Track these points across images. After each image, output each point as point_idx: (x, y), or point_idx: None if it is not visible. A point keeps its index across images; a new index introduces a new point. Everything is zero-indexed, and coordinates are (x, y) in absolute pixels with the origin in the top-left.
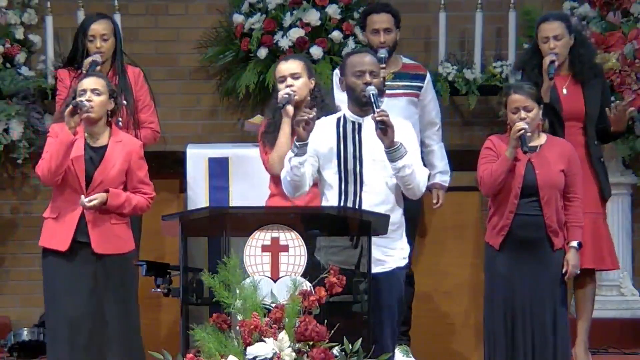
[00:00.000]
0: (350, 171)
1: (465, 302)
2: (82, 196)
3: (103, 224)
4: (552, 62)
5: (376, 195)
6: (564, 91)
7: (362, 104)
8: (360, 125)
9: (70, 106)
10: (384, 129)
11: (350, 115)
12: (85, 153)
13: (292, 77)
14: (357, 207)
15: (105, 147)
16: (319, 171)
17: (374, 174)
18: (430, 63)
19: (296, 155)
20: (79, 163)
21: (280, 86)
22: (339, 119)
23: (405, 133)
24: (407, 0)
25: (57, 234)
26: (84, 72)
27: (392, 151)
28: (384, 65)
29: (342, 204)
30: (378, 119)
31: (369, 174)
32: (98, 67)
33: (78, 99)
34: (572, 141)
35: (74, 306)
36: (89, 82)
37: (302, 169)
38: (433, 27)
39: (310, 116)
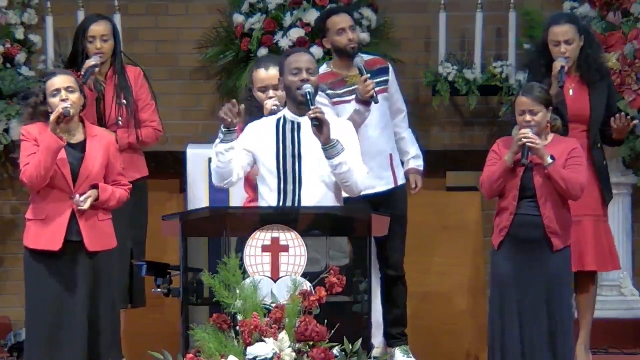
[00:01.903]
0: (289, 170)
1: (465, 302)
2: (77, 195)
3: (92, 221)
4: (562, 67)
5: (314, 194)
6: (570, 92)
7: (298, 102)
8: (299, 124)
9: (57, 114)
10: (319, 125)
11: (290, 115)
12: (66, 151)
13: (274, 88)
14: (295, 205)
15: (83, 143)
16: (258, 170)
17: (312, 173)
18: (430, 63)
19: (222, 141)
20: (63, 162)
21: (261, 95)
22: (278, 119)
23: (344, 131)
24: (407, 0)
25: (46, 234)
26: (82, 75)
27: (328, 148)
28: (368, 75)
29: (280, 203)
30: (312, 115)
31: (307, 173)
32: (97, 69)
33: (51, 99)
34: None
35: (69, 305)
36: (61, 81)
37: (227, 155)
38: (433, 27)
39: (236, 112)
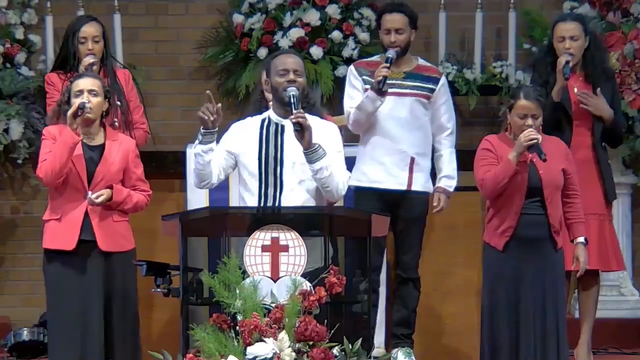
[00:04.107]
0: (271, 173)
1: (467, 302)
2: (89, 192)
3: (107, 222)
4: (567, 62)
5: (295, 199)
6: (575, 90)
7: (284, 104)
8: (283, 127)
9: (74, 108)
10: (300, 130)
11: (275, 117)
12: (84, 152)
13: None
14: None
15: (102, 146)
16: (240, 173)
17: (294, 177)
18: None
19: (200, 142)
20: (80, 162)
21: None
22: (263, 120)
23: (328, 134)
24: (407, 0)
25: (61, 234)
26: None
27: (310, 153)
28: (388, 65)
29: (261, 205)
30: (294, 120)
31: (289, 177)
32: (95, 67)
33: (74, 99)
34: (579, 142)
35: (85, 304)
36: (86, 83)
37: (207, 157)
38: (433, 27)
39: (214, 110)
